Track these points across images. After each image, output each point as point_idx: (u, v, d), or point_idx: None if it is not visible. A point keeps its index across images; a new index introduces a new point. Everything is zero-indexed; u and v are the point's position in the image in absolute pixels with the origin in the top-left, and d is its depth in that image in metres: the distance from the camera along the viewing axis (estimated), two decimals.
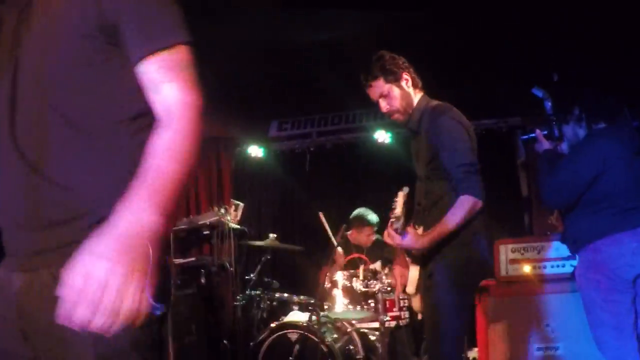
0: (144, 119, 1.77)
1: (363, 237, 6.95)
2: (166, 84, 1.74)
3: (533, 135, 4.45)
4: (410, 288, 3.95)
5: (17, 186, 1.72)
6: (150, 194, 1.55)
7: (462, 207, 3.64)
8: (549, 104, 4.36)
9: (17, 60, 1.76)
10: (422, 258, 3.86)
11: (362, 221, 6.97)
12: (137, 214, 1.52)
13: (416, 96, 3.98)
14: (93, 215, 1.66)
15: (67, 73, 1.72)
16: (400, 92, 3.92)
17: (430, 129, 3.82)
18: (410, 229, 3.80)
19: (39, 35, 1.75)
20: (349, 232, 6.93)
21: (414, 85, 3.98)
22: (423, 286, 3.89)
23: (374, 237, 6.97)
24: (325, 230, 6.35)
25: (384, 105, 3.97)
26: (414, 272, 3.93)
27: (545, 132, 4.40)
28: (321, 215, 6.46)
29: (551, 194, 4.06)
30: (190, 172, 1.71)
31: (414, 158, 4.14)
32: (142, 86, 1.74)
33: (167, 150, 1.66)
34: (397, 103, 3.93)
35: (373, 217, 6.96)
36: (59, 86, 1.72)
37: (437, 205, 3.82)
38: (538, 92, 4.37)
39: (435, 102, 3.96)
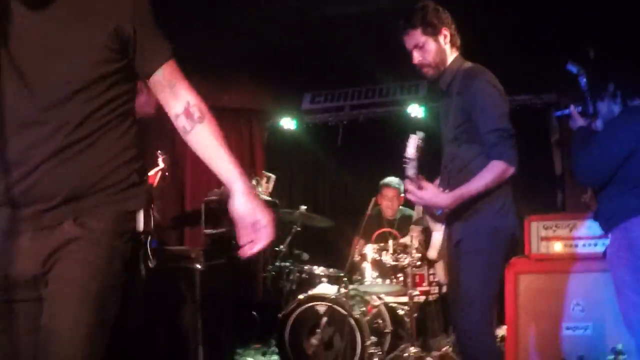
0: (132, 116, 2.35)
1: (387, 201, 7.02)
2: (178, 83, 2.37)
3: (567, 111, 4.39)
4: (433, 252, 3.88)
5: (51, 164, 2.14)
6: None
7: (492, 171, 3.55)
8: (584, 79, 4.29)
9: (45, 62, 2.14)
10: (449, 224, 3.79)
11: (385, 184, 7.06)
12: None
13: (451, 55, 3.88)
14: (110, 184, 2.24)
15: (90, 78, 2.18)
16: (436, 47, 3.82)
17: (463, 91, 3.73)
18: (428, 184, 3.74)
19: (69, 44, 2.15)
20: (376, 200, 6.96)
21: (452, 43, 3.88)
22: (449, 254, 3.84)
23: (399, 202, 7.06)
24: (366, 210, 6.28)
25: (416, 56, 3.86)
26: (437, 236, 3.87)
27: (580, 109, 4.34)
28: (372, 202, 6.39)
29: (585, 171, 4.01)
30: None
31: (441, 120, 4.06)
32: (158, 86, 2.36)
33: (220, 135, 2.39)
34: (430, 57, 3.83)
35: (395, 180, 7.02)
36: (83, 87, 2.16)
37: (465, 169, 3.73)
38: (573, 68, 4.30)
39: (469, 64, 3.87)
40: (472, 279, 3.64)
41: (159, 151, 5.56)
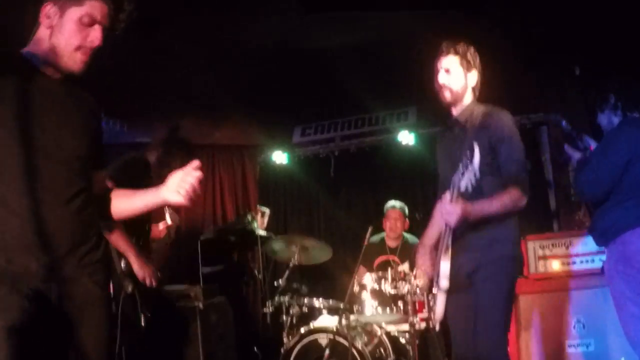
0: None
1: (391, 223, 7.08)
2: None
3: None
4: (445, 282, 3.87)
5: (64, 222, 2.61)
6: None
7: (510, 196, 3.64)
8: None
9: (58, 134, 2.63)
10: (459, 254, 3.77)
11: (390, 207, 7.17)
12: None
13: (469, 96, 4.03)
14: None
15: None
16: (463, 82, 3.98)
17: (491, 124, 3.85)
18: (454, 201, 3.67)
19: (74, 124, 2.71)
20: (382, 224, 7.10)
21: (474, 89, 4.04)
22: (455, 283, 3.84)
23: (403, 225, 7.12)
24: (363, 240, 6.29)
25: (443, 76, 4.00)
26: (446, 266, 3.87)
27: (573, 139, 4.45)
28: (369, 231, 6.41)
29: (587, 183, 4.05)
30: None
31: (446, 156, 4.11)
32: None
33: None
34: (454, 84, 3.97)
35: (398, 203, 7.18)
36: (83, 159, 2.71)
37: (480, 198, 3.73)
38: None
39: (484, 105, 4.03)
40: (494, 306, 3.70)
41: (167, 207, 5.54)
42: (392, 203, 7.17)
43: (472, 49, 4.02)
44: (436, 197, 4.19)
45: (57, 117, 2.62)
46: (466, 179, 3.40)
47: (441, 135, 4.24)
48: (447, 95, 4.00)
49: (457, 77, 3.97)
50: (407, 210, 7.15)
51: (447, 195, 3.62)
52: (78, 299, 2.56)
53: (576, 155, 4.32)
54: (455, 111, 4.04)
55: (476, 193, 3.76)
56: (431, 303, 4.46)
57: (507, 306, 3.77)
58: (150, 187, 2.87)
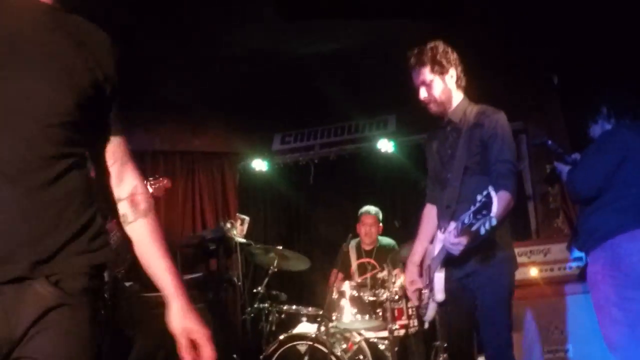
0: None
1: (367, 228, 7.07)
2: (130, 161, 2.18)
3: (546, 142, 4.54)
4: (440, 296, 3.89)
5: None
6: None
7: (502, 201, 3.46)
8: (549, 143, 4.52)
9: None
10: (450, 259, 3.76)
11: (364, 212, 7.15)
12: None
13: (457, 94, 4.00)
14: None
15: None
16: (442, 87, 3.94)
17: (485, 123, 3.83)
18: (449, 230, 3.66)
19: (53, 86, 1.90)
20: (356, 229, 7.11)
21: (458, 84, 4.00)
22: (450, 288, 3.86)
23: (377, 230, 7.12)
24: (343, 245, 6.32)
25: (422, 92, 3.97)
26: (440, 276, 3.88)
27: (550, 142, 4.50)
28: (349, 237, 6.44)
29: (580, 181, 4.07)
30: None
31: (435, 156, 4.12)
32: (110, 156, 2.13)
33: (162, 237, 2.19)
34: (435, 94, 3.94)
35: (373, 208, 7.17)
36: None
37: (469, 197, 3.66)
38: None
39: (479, 105, 4.00)
40: (499, 307, 3.71)
41: None
42: (367, 208, 7.18)
43: (440, 48, 3.95)
44: (425, 193, 4.24)
45: (31, 56, 1.88)
46: (479, 224, 3.25)
47: (432, 133, 4.20)
48: (434, 108, 3.98)
49: (434, 86, 3.93)
50: (380, 216, 7.17)
51: (451, 227, 3.55)
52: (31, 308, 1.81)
53: (566, 169, 4.35)
54: (447, 113, 4.01)
55: (465, 191, 3.80)
56: (421, 310, 4.47)
57: (511, 305, 3.75)
58: None
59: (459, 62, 4.01)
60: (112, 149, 2.11)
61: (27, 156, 1.81)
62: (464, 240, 3.49)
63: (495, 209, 3.11)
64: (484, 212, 3.14)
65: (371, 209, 7.15)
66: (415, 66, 3.97)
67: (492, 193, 3.11)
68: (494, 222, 3.17)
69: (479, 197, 3.18)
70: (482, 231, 3.25)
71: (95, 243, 1.95)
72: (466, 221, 3.31)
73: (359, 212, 7.21)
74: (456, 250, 3.54)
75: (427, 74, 3.92)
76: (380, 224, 7.13)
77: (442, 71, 3.92)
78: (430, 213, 4.22)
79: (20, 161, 1.80)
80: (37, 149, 1.83)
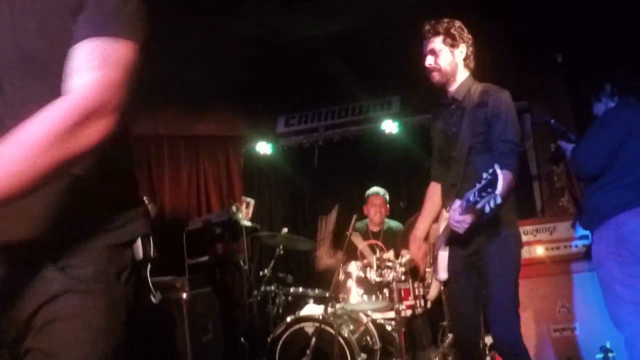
0: None
1: (375, 209, 7.12)
2: (90, 71, 1.57)
3: (549, 121, 4.54)
4: (443, 274, 3.91)
5: None
6: None
7: (505, 182, 3.44)
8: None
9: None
10: (454, 237, 3.79)
11: (372, 193, 7.23)
12: None
13: (462, 71, 4.02)
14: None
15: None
16: (450, 59, 3.97)
17: (489, 101, 3.84)
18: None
19: (26, 12, 1.69)
20: (363, 210, 7.19)
21: (466, 63, 4.02)
22: (454, 265, 3.87)
23: (385, 212, 7.18)
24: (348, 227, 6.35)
25: (429, 59, 3.99)
26: (444, 255, 3.90)
27: (553, 121, 4.49)
28: (335, 210, 6.48)
29: (583, 157, 4.07)
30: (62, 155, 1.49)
31: (440, 134, 4.13)
32: (67, 72, 1.59)
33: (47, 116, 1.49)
34: (442, 64, 3.96)
35: (381, 189, 7.24)
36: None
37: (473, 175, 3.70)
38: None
39: (483, 84, 4.01)
40: (506, 283, 3.73)
41: (145, 197, 5.50)
42: (375, 189, 7.22)
43: (456, 24, 4.00)
44: (430, 172, 4.25)
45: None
46: (484, 202, 3.26)
47: (437, 111, 4.22)
48: (437, 77, 4.00)
49: (443, 56, 3.96)
50: (388, 197, 7.18)
51: (456, 205, 3.56)
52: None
53: (570, 147, 4.35)
54: (450, 89, 4.02)
55: (469, 170, 3.80)
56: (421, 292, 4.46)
57: (517, 283, 3.76)
58: None
59: (471, 43, 4.03)
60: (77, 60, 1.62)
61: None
62: (468, 218, 3.51)
63: (500, 186, 3.13)
64: (489, 189, 3.16)
65: (379, 189, 7.18)
66: (427, 34, 4.01)
67: (498, 170, 3.13)
68: (499, 200, 3.19)
69: (484, 175, 3.19)
70: (487, 209, 3.26)
71: (118, 219, 1.78)
72: (471, 199, 3.32)
73: (367, 194, 7.24)
74: (461, 228, 3.56)
75: (438, 43, 3.97)
76: (388, 205, 7.15)
77: (453, 44, 3.96)
78: (434, 191, 4.23)
79: None
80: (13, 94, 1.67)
